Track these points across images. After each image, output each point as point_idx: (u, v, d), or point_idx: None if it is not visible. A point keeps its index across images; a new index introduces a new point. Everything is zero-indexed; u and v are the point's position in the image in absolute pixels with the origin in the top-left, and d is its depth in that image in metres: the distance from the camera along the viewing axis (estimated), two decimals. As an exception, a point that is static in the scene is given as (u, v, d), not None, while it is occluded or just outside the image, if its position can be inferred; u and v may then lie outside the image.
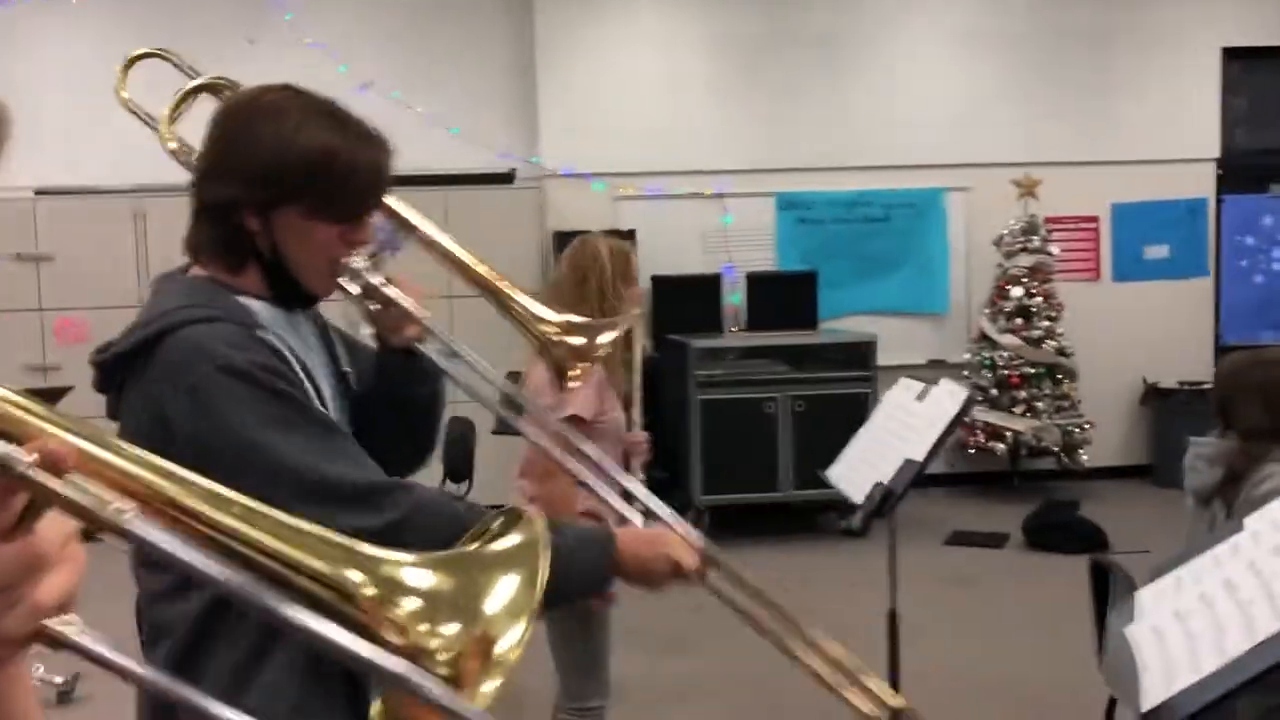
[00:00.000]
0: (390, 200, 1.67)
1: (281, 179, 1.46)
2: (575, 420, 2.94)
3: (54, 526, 0.67)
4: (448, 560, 0.78)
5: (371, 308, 1.59)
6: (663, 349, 6.96)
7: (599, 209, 7.13)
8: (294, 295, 1.55)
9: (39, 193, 6.80)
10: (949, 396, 2.81)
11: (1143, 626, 1.40)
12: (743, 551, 6.21)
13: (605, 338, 1.71)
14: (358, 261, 1.54)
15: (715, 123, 7.30)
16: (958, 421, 2.75)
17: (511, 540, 0.79)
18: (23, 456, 0.64)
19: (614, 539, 1.56)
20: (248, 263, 1.51)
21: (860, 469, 2.95)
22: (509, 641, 0.71)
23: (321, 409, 1.47)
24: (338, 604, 0.74)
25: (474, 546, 0.80)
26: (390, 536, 1.37)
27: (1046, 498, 6.58)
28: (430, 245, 1.76)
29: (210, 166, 1.50)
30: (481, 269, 1.76)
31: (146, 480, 0.74)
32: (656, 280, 7.07)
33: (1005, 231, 7.25)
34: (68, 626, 0.66)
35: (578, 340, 1.68)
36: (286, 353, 1.47)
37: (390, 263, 1.67)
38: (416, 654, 0.72)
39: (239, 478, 1.32)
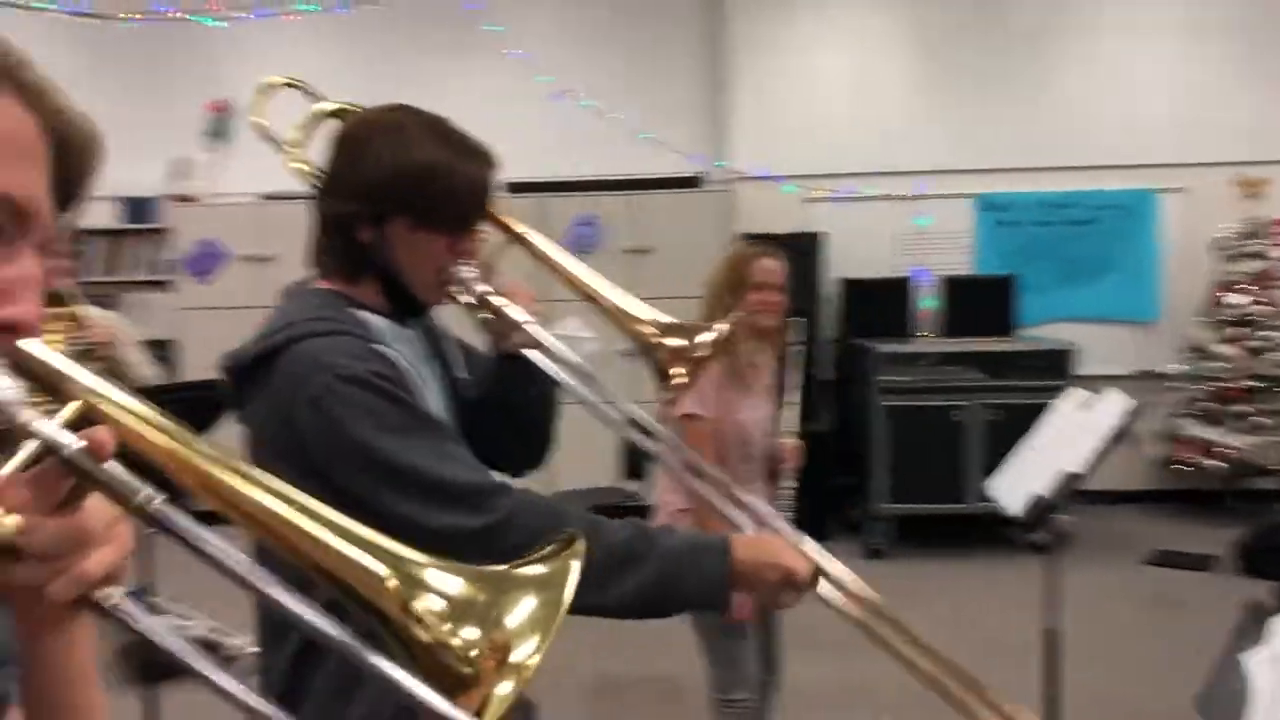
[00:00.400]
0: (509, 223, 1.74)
1: (391, 192, 1.54)
2: (691, 418, 2.99)
3: (103, 507, 0.73)
4: (479, 573, 0.82)
5: (482, 316, 1.65)
6: (847, 354, 6.85)
7: (788, 211, 7.09)
8: (407, 305, 1.63)
9: (267, 198, 7.29)
10: (1114, 407, 2.66)
11: (1261, 654, 1.30)
12: (926, 563, 6.07)
13: (705, 338, 1.71)
14: (466, 272, 1.60)
15: (911, 122, 7.13)
16: (1122, 433, 2.60)
17: (547, 566, 0.83)
18: (71, 442, 0.70)
19: (729, 543, 1.55)
20: (364, 274, 1.59)
21: (1021, 480, 2.83)
22: (524, 652, 0.75)
23: (435, 415, 1.54)
24: (368, 593, 0.78)
25: (506, 567, 0.84)
26: (492, 535, 1.44)
27: (1267, 520, 6.11)
28: (536, 254, 1.79)
29: (329, 183, 1.60)
30: (577, 271, 1.77)
31: (197, 467, 0.78)
32: (843, 284, 6.97)
33: (1225, 235, 6.78)
34: (111, 597, 0.72)
35: (676, 341, 1.69)
36: (402, 363, 1.54)
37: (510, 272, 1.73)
38: (439, 648, 0.76)
39: (360, 480, 1.43)
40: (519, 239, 1.76)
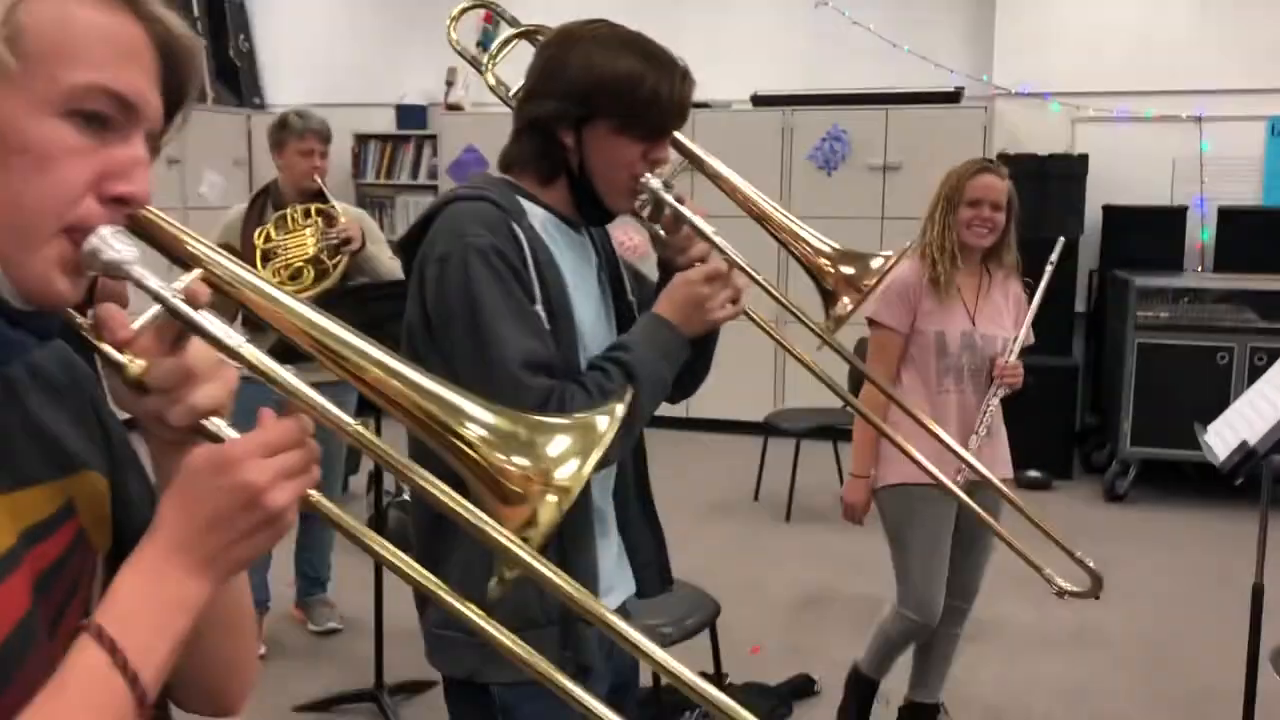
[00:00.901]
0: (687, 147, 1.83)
1: (596, 96, 1.62)
2: (873, 324, 3.09)
3: (210, 352, 0.87)
4: (513, 413, 0.94)
5: (656, 231, 1.71)
6: (1106, 285, 6.46)
7: (1052, 131, 6.70)
8: (593, 211, 1.71)
9: None
10: (1345, 352, 2.41)
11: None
12: (1165, 510, 5.71)
13: (875, 265, 1.73)
14: (654, 181, 1.67)
15: (1199, 36, 6.52)
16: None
17: (582, 417, 0.96)
18: (171, 293, 0.84)
19: (656, 314, 1.67)
20: (558, 176, 1.68)
21: (1236, 427, 2.63)
22: (567, 472, 0.89)
23: (538, 307, 1.62)
24: (425, 419, 0.92)
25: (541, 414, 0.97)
26: (552, 404, 1.53)
27: None
28: (711, 175, 1.85)
29: (534, 88, 1.68)
30: (753, 194, 1.82)
31: (289, 315, 0.92)
32: (1108, 210, 6.54)
33: None
34: (218, 426, 0.86)
35: (848, 269, 1.72)
36: (528, 250, 1.61)
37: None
38: (492, 470, 0.90)
39: (451, 340, 1.56)
40: (696, 160, 1.83)
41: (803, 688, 3.67)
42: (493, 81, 2.03)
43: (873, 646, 3.25)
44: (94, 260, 0.82)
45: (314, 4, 8.12)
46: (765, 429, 5.84)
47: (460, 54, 2.14)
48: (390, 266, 4.01)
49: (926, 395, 3.03)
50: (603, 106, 1.62)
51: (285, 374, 0.87)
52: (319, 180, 3.92)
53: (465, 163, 7.54)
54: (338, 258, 3.80)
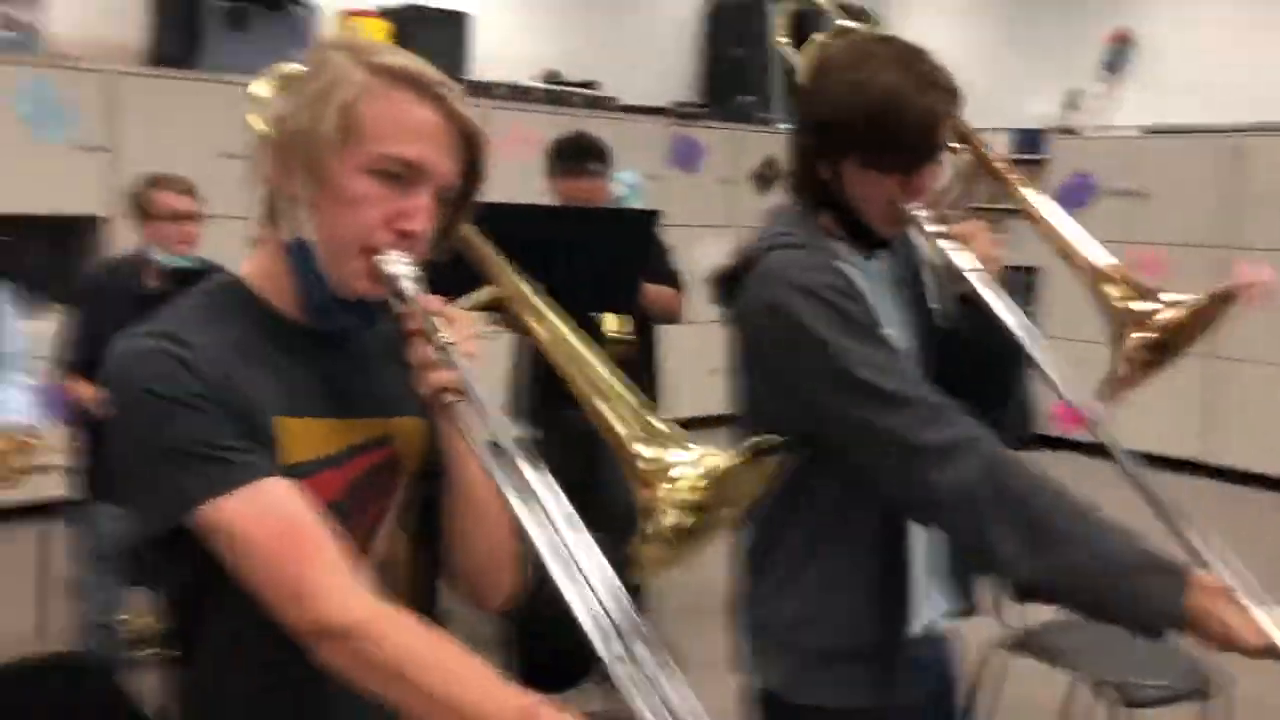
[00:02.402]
0: (991, 156, 1.71)
1: (840, 131, 1.54)
2: None
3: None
4: (655, 427, 1.06)
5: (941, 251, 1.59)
6: None
7: None
8: (866, 238, 1.63)
9: (1148, 132, 7.06)
10: None
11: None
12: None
13: (1173, 298, 1.49)
14: (918, 210, 1.56)
15: None
16: None
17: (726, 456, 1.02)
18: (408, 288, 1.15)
19: (1186, 576, 1.34)
20: (823, 206, 1.62)
21: None
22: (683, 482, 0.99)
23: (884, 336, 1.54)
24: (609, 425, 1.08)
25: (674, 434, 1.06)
26: (931, 457, 1.43)
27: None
28: (1009, 193, 1.70)
29: (798, 115, 1.64)
30: (1055, 222, 1.66)
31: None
32: None
33: None
34: (454, 400, 1.12)
35: (1141, 305, 1.50)
36: (859, 283, 1.57)
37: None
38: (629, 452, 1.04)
39: (812, 384, 1.61)
40: (995, 173, 1.71)
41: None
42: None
43: None
44: (378, 272, 1.14)
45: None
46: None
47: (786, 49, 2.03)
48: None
49: None
50: (847, 142, 1.54)
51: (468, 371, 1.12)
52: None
53: (1075, 189, 7.21)
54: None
